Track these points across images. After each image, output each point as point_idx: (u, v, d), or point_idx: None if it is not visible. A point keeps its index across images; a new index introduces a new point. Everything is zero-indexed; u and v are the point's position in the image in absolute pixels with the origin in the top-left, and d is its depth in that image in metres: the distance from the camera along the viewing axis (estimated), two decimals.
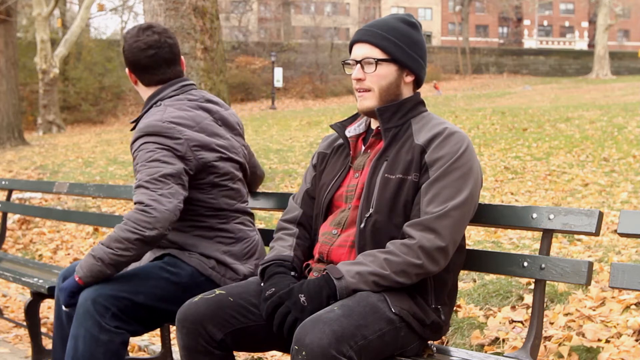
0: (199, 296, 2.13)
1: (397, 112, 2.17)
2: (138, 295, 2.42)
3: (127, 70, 2.66)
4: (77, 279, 2.40)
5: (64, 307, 2.49)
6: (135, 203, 2.38)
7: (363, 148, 2.25)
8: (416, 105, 2.20)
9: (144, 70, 2.59)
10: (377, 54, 2.15)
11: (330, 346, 1.80)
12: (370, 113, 2.21)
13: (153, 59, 2.57)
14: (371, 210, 2.08)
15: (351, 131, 2.27)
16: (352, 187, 2.18)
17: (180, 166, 2.43)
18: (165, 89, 2.60)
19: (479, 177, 2.10)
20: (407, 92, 2.21)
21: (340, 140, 2.32)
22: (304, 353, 1.81)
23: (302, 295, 1.98)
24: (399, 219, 2.07)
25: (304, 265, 2.25)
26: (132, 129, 2.68)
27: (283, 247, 2.26)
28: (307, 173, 2.38)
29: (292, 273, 2.18)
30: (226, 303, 2.10)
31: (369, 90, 2.17)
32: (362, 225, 2.09)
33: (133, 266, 2.58)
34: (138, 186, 2.39)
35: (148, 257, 2.62)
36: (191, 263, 2.53)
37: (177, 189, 2.40)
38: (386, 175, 2.09)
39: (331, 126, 2.32)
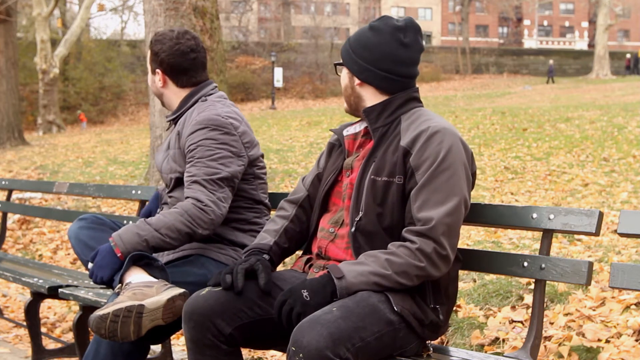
0: (207, 289, 2.12)
1: (384, 111, 2.18)
2: None
3: (158, 71, 2.66)
4: (119, 254, 2.38)
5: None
6: (190, 197, 2.44)
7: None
8: (407, 101, 2.20)
9: (183, 73, 2.66)
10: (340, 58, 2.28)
11: (327, 348, 1.80)
12: (353, 114, 2.27)
13: (194, 62, 2.65)
14: (360, 214, 2.10)
15: (350, 130, 2.31)
16: (345, 186, 2.21)
17: (235, 169, 2.52)
18: (202, 89, 2.68)
19: (468, 174, 2.09)
20: (368, 95, 2.21)
21: None
22: (301, 355, 1.81)
23: (305, 291, 1.98)
24: (387, 221, 2.08)
25: (306, 258, 2.27)
26: (168, 128, 2.79)
27: (268, 232, 2.34)
28: (321, 157, 2.41)
29: (265, 256, 2.25)
30: (234, 296, 2.09)
31: None
32: (353, 229, 2.11)
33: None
34: (195, 182, 2.46)
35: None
36: (219, 259, 2.55)
37: (228, 194, 2.50)
38: (373, 177, 2.11)
39: (331, 130, 2.37)
